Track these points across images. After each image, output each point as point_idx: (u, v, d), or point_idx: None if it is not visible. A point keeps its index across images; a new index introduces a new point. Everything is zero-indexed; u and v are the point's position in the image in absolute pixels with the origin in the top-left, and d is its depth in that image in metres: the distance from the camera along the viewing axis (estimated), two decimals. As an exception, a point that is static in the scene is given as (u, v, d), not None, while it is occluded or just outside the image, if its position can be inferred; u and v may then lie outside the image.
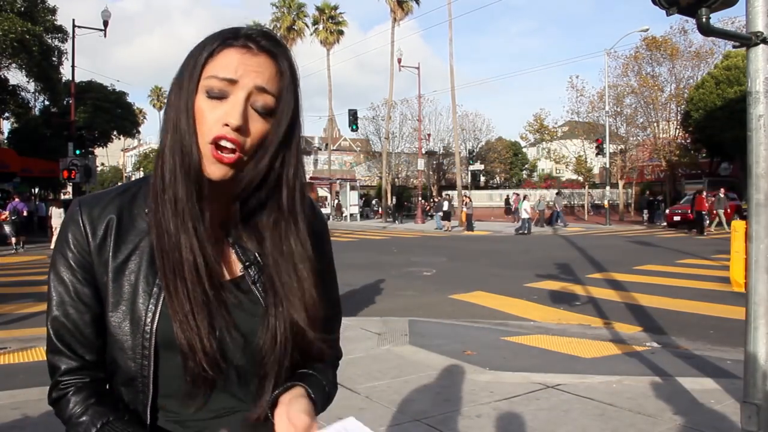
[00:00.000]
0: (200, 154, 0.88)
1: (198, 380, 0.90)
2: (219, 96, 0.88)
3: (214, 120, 0.88)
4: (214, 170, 0.88)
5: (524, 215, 23.61)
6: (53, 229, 18.26)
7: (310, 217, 1.01)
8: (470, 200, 26.78)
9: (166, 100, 0.97)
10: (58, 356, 0.93)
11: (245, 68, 0.88)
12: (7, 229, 18.90)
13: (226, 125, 0.87)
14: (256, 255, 0.98)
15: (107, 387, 0.96)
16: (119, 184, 1.18)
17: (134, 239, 0.94)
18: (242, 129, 0.87)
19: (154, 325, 0.90)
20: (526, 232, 23.37)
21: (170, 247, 0.90)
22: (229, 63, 0.89)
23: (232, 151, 0.88)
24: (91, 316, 0.93)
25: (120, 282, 0.92)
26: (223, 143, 0.87)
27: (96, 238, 0.93)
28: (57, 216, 18.33)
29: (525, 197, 25.77)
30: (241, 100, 0.88)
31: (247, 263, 0.98)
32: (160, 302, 0.90)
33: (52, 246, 13.48)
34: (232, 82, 0.88)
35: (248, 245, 0.98)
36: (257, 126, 0.90)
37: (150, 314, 0.90)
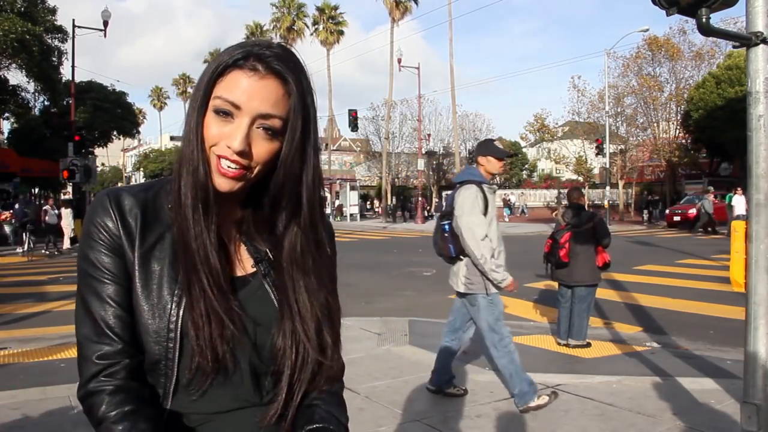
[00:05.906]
0: (209, 167, 0.93)
1: (198, 372, 0.93)
2: (226, 113, 0.91)
3: (220, 137, 0.91)
4: (221, 183, 0.93)
5: (737, 212, 19.11)
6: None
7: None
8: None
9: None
10: (86, 341, 0.93)
11: (250, 94, 0.90)
12: (7, 229, 18.97)
13: (230, 147, 0.91)
14: (267, 251, 1.02)
15: (137, 376, 0.94)
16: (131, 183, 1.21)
17: (159, 230, 0.97)
18: (244, 153, 0.91)
19: (181, 310, 0.93)
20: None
21: (189, 254, 0.94)
22: (235, 86, 0.91)
23: (236, 166, 0.92)
24: (121, 309, 0.93)
25: (147, 268, 0.95)
26: (227, 163, 0.91)
27: (126, 225, 0.96)
28: (65, 216, 18.79)
29: (736, 190, 20.49)
30: (245, 125, 0.91)
31: (258, 258, 1.02)
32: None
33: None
34: (237, 107, 0.91)
35: (260, 245, 1.03)
36: (264, 146, 0.93)
37: (176, 299, 0.93)
